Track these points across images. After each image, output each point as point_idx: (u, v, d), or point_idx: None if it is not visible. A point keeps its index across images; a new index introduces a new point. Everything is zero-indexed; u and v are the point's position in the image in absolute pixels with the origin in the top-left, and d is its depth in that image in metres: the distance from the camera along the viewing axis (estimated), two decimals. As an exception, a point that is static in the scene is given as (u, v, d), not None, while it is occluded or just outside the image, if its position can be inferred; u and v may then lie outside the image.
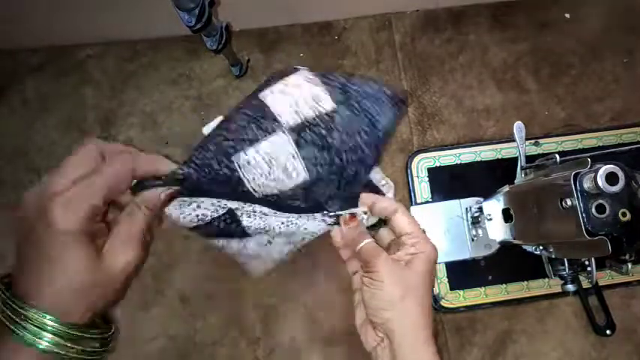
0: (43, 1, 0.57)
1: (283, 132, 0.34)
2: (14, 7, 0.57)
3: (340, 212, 0.38)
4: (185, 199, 0.33)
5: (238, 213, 0.35)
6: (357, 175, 0.38)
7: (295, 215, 0.37)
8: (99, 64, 0.65)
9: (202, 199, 0.34)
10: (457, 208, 0.61)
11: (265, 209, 0.36)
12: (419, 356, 0.34)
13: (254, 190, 0.34)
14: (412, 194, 0.62)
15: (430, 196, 0.62)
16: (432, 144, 0.64)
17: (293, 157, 0.34)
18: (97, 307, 0.28)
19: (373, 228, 0.40)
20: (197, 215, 0.34)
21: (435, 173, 0.62)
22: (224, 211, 0.35)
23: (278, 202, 0.36)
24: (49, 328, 0.26)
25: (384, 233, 0.41)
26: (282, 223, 0.37)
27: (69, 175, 0.28)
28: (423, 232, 0.38)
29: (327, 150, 0.35)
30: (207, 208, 0.34)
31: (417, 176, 0.62)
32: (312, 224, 0.38)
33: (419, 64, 0.67)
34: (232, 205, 0.35)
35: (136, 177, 0.31)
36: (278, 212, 0.37)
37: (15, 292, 0.27)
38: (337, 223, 0.38)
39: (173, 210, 0.33)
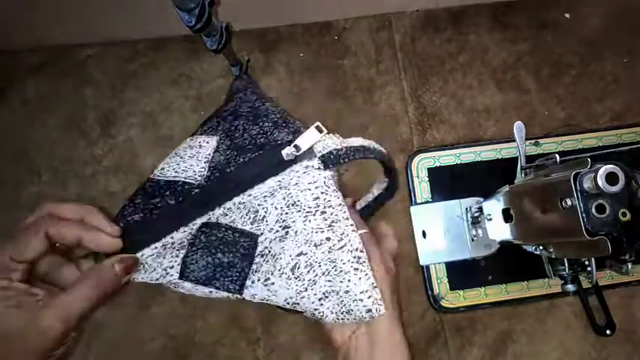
0: (43, 1, 0.57)
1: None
2: (14, 7, 0.57)
3: (295, 143, 0.33)
4: (154, 245, 0.31)
5: (213, 220, 0.32)
6: (255, 107, 0.38)
7: (273, 183, 0.33)
8: (99, 64, 0.65)
9: (171, 235, 0.32)
10: (457, 208, 0.61)
11: (238, 198, 0.33)
12: (393, 337, 0.33)
13: (189, 178, 0.33)
14: (412, 194, 0.62)
15: (430, 196, 0.62)
16: (432, 144, 0.65)
17: (192, 139, 0.36)
18: None
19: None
20: (174, 249, 0.32)
21: (435, 173, 0.62)
22: (197, 228, 0.32)
23: (229, 173, 0.33)
24: None
25: None
26: (265, 196, 0.33)
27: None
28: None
29: (214, 117, 0.38)
30: (180, 238, 0.32)
31: (417, 176, 0.62)
32: (298, 177, 0.33)
33: (419, 64, 0.67)
34: (201, 219, 0.32)
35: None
36: (251, 192, 0.33)
37: None
38: (327, 164, 0.34)
39: (153, 263, 0.31)
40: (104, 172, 0.61)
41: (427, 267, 0.60)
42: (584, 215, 0.43)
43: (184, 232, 0.32)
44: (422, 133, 0.65)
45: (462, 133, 0.65)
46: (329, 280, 0.32)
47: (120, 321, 0.57)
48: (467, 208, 0.61)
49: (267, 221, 0.33)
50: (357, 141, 0.36)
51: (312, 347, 0.58)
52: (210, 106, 0.64)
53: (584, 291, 0.58)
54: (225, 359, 0.57)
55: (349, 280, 0.31)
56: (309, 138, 0.34)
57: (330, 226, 0.32)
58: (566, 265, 0.55)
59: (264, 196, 0.33)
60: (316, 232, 0.32)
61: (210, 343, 0.58)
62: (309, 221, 0.32)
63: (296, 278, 0.32)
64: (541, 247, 0.56)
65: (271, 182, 0.33)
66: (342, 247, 0.32)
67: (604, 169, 0.42)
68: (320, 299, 0.32)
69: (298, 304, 0.32)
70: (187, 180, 0.33)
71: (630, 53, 0.69)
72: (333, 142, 0.35)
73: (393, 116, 0.65)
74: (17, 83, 0.63)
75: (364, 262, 0.32)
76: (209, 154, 0.34)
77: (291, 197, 0.33)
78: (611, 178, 0.42)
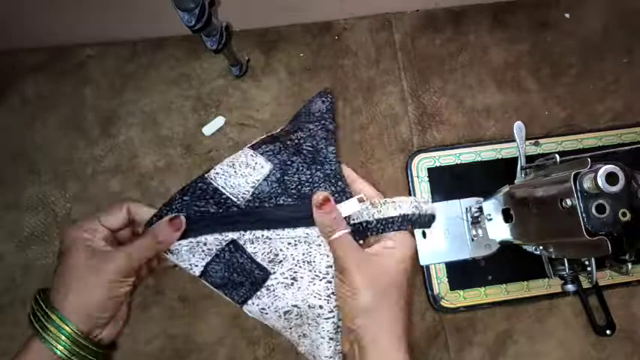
0: (43, 1, 0.57)
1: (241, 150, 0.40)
2: (14, 7, 0.57)
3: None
4: (190, 239, 0.37)
5: (240, 242, 0.37)
6: (317, 150, 0.39)
7: (301, 232, 0.37)
8: (99, 64, 0.65)
9: (205, 236, 0.37)
10: (457, 208, 0.61)
11: (266, 232, 0.37)
12: None
13: (233, 196, 0.37)
14: (412, 194, 0.62)
15: (430, 196, 0.62)
16: (432, 144, 0.65)
17: (252, 155, 0.39)
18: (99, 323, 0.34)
19: (371, 229, 0.37)
20: (203, 251, 0.37)
21: (435, 173, 0.62)
22: (227, 242, 0.37)
23: (266, 208, 0.37)
24: (67, 333, 0.32)
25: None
26: (289, 243, 0.37)
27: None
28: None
29: (278, 140, 0.39)
30: (211, 243, 0.37)
31: (417, 176, 0.62)
32: (322, 240, 0.37)
33: (419, 64, 0.67)
34: (233, 235, 0.37)
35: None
36: (281, 232, 0.37)
37: (47, 301, 0.33)
38: (356, 235, 0.36)
39: (183, 256, 0.37)
40: (104, 172, 0.61)
41: (427, 267, 0.60)
42: (584, 215, 0.43)
43: (216, 239, 0.37)
44: (422, 133, 0.65)
45: (462, 133, 0.65)
46: (310, 331, 0.37)
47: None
48: (467, 208, 0.61)
49: (282, 265, 0.37)
50: (397, 208, 0.37)
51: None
52: (211, 106, 0.64)
53: (584, 291, 0.58)
54: (225, 359, 0.57)
55: (320, 344, 0.37)
56: (348, 208, 0.36)
57: (328, 296, 0.36)
58: (566, 265, 0.55)
59: (289, 243, 0.37)
60: (315, 296, 0.36)
61: (210, 343, 0.58)
62: (314, 284, 0.36)
63: (286, 319, 0.37)
64: (541, 247, 0.56)
65: (300, 232, 0.37)
66: (328, 318, 0.36)
67: (604, 169, 0.42)
68: (299, 336, 0.38)
69: (280, 334, 0.39)
70: (231, 197, 0.37)
71: (630, 53, 0.69)
72: (367, 214, 0.36)
73: (393, 116, 0.65)
74: (17, 83, 0.63)
75: (339, 332, 0.37)
76: (258, 180, 0.38)
77: (310, 255, 0.37)
78: (611, 178, 0.42)
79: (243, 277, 0.37)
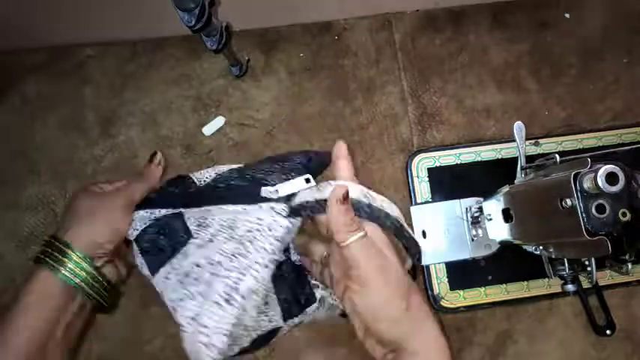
0: (43, 1, 0.57)
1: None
2: (14, 7, 0.57)
3: (277, 186, 0.35)
4: (148, 209, 0.40)
5: (187, 215, 0.38)
6: (282, 156, 0.39)
7: (239, 208, 0.35)
8: (99, 64, 0.65)
9: (159, 210, 0.40)
10: (457, 208, 0.61)
11: (210, 206, 0.37)
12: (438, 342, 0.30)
13: (197, 179, 0.41)
14: (412, 194, 0.62)
15: (430, 196, 0.62)
16: (432, 144, 0.64)
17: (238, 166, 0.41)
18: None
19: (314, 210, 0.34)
20: (150, 220, 0.40)
21: (435, 173, 0.62)
22: (173, 212, 0.39)
23: (217, 187, 0.38)
24: (80, 265, 0.37)
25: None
26: (223, 212, 0.36)
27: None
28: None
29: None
30: (160, 213, 0.40)
31: (417, 176, 0.62)
32: (251, 208, 0.35)
33: (419, 64, 0.67)
34: (182, 210, 0.39)
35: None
36: (222, 206, 0.36)
37: (58, 238, 0.38)
38: (292, 213, 0.34)
39: (138, 222, 0.40)
40: (104, 172, 0.61)
41: (427, 267, 0.60)
42: (584, 215, 0.43)
43: (167, 211, 0.39)
44: (422, 133, 0.65)
45: (462, 133, 0.65)
46: (200, 302, 0.34)
47: (120, 321, 0.57)
48: (467, 208, 0.61)
49: (207, 229, 0.37)
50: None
51: (312, 347, 0.58)
52: (211, 106, 0.64)
53: (584, 291, 0.58)
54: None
55: (207, 310, 0.33)
56: (291, 186, 0.35)
57: (232, 255, 0.33)
58: (566, 265, 0.55)
59: (223, 212, 0.36)
60: (219, 252, 0.34)
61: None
62: (225, 244, 0.34)
63: (182, 285, 0.35)
64: (541, 247, 0.56)
65: (239, 208, 0.36)
66: (222, 277, 0.33)
67: (604, 169, 0.42)
68: (188, 315, 0.35)
69: (173, 308, 0.36)
70: (194, 178, 0.41)
71: (630, 53, 0.69)
72: (308, 194, 0.34)
73: (393, 116, 0.65)
74: (17, 83, 0.63)
75: (232, 304, 0.33)
76: (223, 170, 0.40)
77: (234, 222, 0.35)
78: (611, 178, 0.42)
79: (167, 240, 0.38)
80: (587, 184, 0.43)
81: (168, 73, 0.65)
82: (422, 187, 0.62)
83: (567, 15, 0.70)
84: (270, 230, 0.34)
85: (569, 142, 0.64)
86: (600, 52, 0.69)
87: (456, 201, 0.61)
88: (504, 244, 0.58)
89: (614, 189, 0.41)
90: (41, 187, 0.61)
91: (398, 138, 0.65)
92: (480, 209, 0.59)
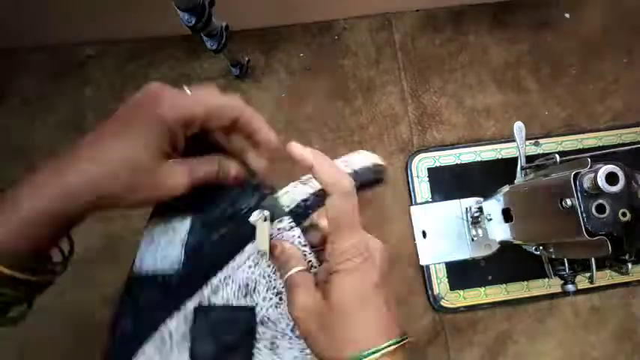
0: (43, 1, 0.57)
1: None
2: (15, 7, 0.57)
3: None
4: (154, 336, 0.32)
5: (204, 303, 0.32)
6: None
7: (251, 250, 0.32)
8: (99, 64, 0.65)
9: (164, 325, 0.32)
10: (457, 208, 0.61)
11: (221, 273, 0.32)
12: None
13: (165, 272, 0.33)
14: (412, 194, 0.62)
15: (430, 196, 0.62)
16: (432, 144, 0.64)
17: (164, 223, 0.34)
18: (105, 195, 0.29)
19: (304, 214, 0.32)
20: (177, 343, 0.32)
21: (435, 173, 0.62)
22: (192, 312, 0.32)
23: (205, 253, 0.33)
24: None
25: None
26: (249, 266, 0.33)
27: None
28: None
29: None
30: (176, 327, 0.32)
31: (417, 176, 0.62)
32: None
33: (419, 64, 0.67)
34: (192, 302, 0.32)
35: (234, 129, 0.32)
36: (233, 263, 0.33)
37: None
38: (297, 218, 0.32)
39: (156, 357, 0.31)
40: (104, 172, 0.61)
41: (427, 267, 0.60)
42: (584, 215, 0.43)
43: (179, 317, 0.32)
44: (422, 133, 0.65)
45: (462, 133, 0.65)
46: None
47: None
48: (467, 208, 0.61)
49: (258, 292, 0.33)
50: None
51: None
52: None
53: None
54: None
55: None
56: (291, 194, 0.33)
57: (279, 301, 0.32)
58: (566, 265, 0.55)
59: (249, 266, 0.33)
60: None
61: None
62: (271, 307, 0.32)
63: (297, 337, 0.32)
64: (541, 247, 0.56)
65: (250, 249, 0.33)
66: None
67: (604, 169, 0.42)
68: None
69: None
70: (166, 272, 0.32)
71: (630, 53, 0.69)
72: (300, 192, 0.33)
73: (393, 116, 0.65)
74: (17, 83, 0.63)
75: None
76: (184, 238, 0.33)
77: (271, 266, 0.33)
78: (611, 178, 0.42)
79: (232, 333, 0.32)
80: (587, 184, 0.43)
81: (168, 73, 0.65)
82: (422, 187, 0.62)
83: (567, 15, 0.70)
84: (301, 245, 0.33)
85: (569, 142, 0.64)
86: (600, 52, 0.69)
87: (456, 201, 0.61)
88: (504, 244, 0.58)
89: (614, 189, 0.41)
90: (41, 187, 0.61)
91: (398, 138, 0.65)
92: (480, 209, 0.59)
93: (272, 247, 0.32)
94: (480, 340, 0.60)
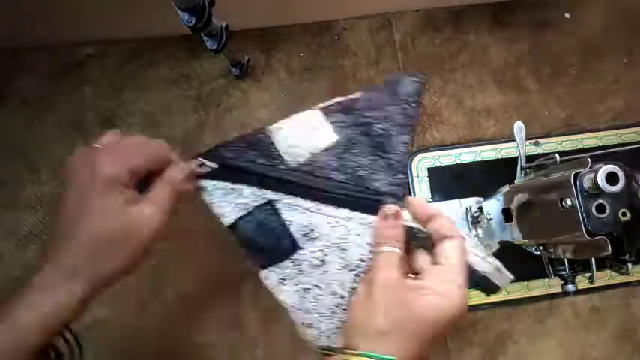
0: (43, 1, 0.57)
1: (311, 109, 0.37)
2: (14, 7, 0.57)
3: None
4: (227, 184, 0.35)
5: (278, 205, 0.35)
6: (388, 135, 0.37)
7: (343, 214, 0.35)
8: (99, 64, 0.65)
9: (243, 186, 0.35)
10: (457, 208, 0.61)
11: (308, 203, 0.35)
12: None
13: (287, 155, 0.35)
14: (412, 194, 0.62)
15: (430, 196, 0.62)
16: (432, 144, 0.64)
17: (321, 121, 0.36)
18: (108, 267, 0.30)
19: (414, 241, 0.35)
20: (238, 204, 0.35)
21: (435, 173, 0.62)
22: (264, 202, 0.35)
23: (313, 175, 0.35)
24: None
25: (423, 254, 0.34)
26: (328, 222, 0.35)
27: (114, 139, 0.33)
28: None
29: (352, 113, 0.36)
30: (248, 197, 0.35)
31: (417, 176, 0.62)
32: (362, 231, 0.35)
33: (419, 64, 0.67)
34: (272, 196, 0.35)
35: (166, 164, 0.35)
36: (322, 208, 0.35)
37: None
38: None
39: (217, 199, 0.35)
40: (104, 172, 0.61)
41: (427, 267, 0.60)
42: (584, 215, 0.43)
43: (254, 194, 0.35)
44: (422, 133, 0.65)
45: (462, 133, 0.65)
46: (320, 322, 0.36)
47: (120, 321, 0.57)
48: (467, 208, 0.61)
49: (314, 243, 0.35)
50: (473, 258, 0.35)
51: (311, 347, 0.58)
52: (211, 106, 0.64)
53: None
54: (225, 359, 0.57)
55: (333, 333, 0.36)
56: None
57: (352, 289, 0.35)
58: (566, 265, 0.55)
59: (328, 222, 0.35)
60: (340, 285, 0.35)
61: (210, 343, 0.58)
62: (341, 273, 0.35)
63: (300, 297, 0.35)
64: (541, 247, 0.56)
65: (343, 214, 0.35)
66: (345, 309, 0.35)
67: (604, 169, 0.42)
68: (303, 323, 0.36)
69: (288, 309, 0.36)
70: (284, 156, 0.36)
71: (630, 53, 0.69)
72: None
73: (393, 116, 0.65)
74: (17, 83, 0.63)
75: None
76: (318, 149, 0.36)
77: (346, 242, 0.35)
78: (611, 178, 0.42)
79: (271, 242, 0.35)
80: (587, 184, 0.43)
81: (168, 73, 0.65)
82: (422, 187, 0.62)
83: (567, 15, 0.70)
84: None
85: (569, 142, 0.64)
86: (600, 52, 0.69)
87: (456, 201, 0.61)
88: (504, 244, 0.58)
89: (614, 189, 0.41)
90: (41, 186, 0.61)
91: (398, 138, 0.64)
92: (480, 209, 0.59)
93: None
94: (480, 340, 0.60)
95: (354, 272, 0.35)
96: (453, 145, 0.64)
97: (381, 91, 0.39)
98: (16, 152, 0.62)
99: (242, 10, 0.62)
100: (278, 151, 0.36)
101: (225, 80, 0.65)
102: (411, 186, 0.62)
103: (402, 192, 0.36)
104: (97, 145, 0.33)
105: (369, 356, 0.28)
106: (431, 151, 0.63)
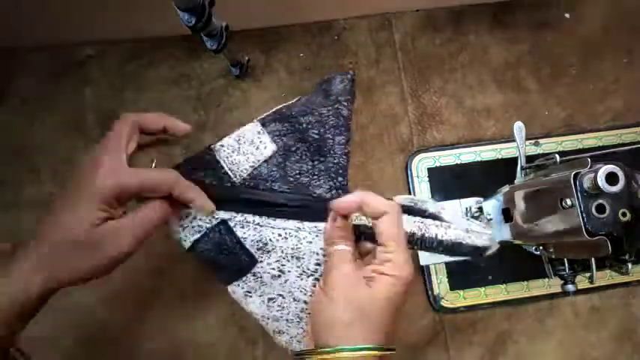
0: (43, 1, 0.57)
1: (251, 121, 0.39)
2: (14, 7, 0.57)
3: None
4: (181, 207, 0.37)
5: (231, 224, 0.37)
6: (323, 139, 0.38)
7: (292, 225, 0.36)
8: (99, 64, 0.65)
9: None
10: (457, 208, 0.61)
11: (257, 218, 0.36)
12: None
13: (231, 172, 0.37)
14: (412, 194, 0.62)
15: (430, 196, 0.62)
16: (432, 144, 0.64)
17: (259, 132, 0.38)
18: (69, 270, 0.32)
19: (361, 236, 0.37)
20: (193, 227, 0.37)
21: (435, 173, 0.62)
22: (217, 222, 0.37)
23: (257, 189, 0.37)
24: None
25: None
26: (280, 235, 0.37)
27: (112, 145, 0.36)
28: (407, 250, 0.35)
29: (288, 120, 0.38)
30: (202, 218, 0.37)
31: (417, 176, 0.62)
32: (313, 238, 0.36)
33: (419, 64, 0.67)
34: (224, 215, 0.37)
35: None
36: (272, 221, 0.37)
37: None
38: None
39: (174, 223, 0.37)
40: (104, 172, 0.61)
41: (427, 267, 0.60)
42: (584, 215, 0.43)
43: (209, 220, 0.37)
44: (422, 133, 0.65)
45: (462, 133, 0.65)
46: (289, 328, 0.38)
47: (120, 321, 0.57)
48: (467, 208, 0.61)
49: (270, 255, 0.37)
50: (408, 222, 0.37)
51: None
52: (211, 107, 0.64)
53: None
54: (224, 359, 0.57)
55: (302, 338, 0.38)
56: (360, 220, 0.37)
57: (312, 293, 0.37)
58: (566, 265, 0.55)
59: (279, 235, 0.36)
60: (301, 291, 0.37)
61: (209, 343, 0.58)
62: (302, 279, 0.37)
63: (267, 307, 0.38)
64: (541, 247, 0.56)
65: (291, 225, 0.36)
66: (309, 314, 0.37)
67: (604, 169, 0.42)
68: (274, 332, 0.39)
69: (259, 320, 0.39)
70: (229, 172, 0.38)
71: (630, 53, 0.69)
72: (367, 219, 0.36)
73: (393, 116, 0.65)
74: (17, 83, 0.63)
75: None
76: (259, 161, 0.38)
77: (299, 251, 0.37)
78: (611, 178, 0.42)
79: (230, 259, 0.37)
80: (587, 184, 0.43)
81: (168, 73, 0.65)
82: (422, 187, 0.62)
83: (567, 15, 0.70)
84: None
85: (569, 142, 0.64)
86: (600, 52, 0.69)
87: (456, 201, 0.61)
88: (504, 244, 0.58)
89: (614, 189, 0.41)
90: (41, 186, 0.61)
91: (398, 138, 0.65)
92: (480, 209, 0.59)
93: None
94: (480, 340, 0.60)
95: (313, 277, 0.37)
96: (453, 145, 0.64)
97: (315, 95, 0.41)
98: (16, 152, 0.62)
99: (242, 10, 0.62)
100: (223, 168, 0.38)
101: (225, 80, 0.65)
102: (411, 186, 0.62)
103: (344, 193, 0.38)
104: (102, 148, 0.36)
105: (341, 350, 0.29)
106: (431, 151, 0.63)
